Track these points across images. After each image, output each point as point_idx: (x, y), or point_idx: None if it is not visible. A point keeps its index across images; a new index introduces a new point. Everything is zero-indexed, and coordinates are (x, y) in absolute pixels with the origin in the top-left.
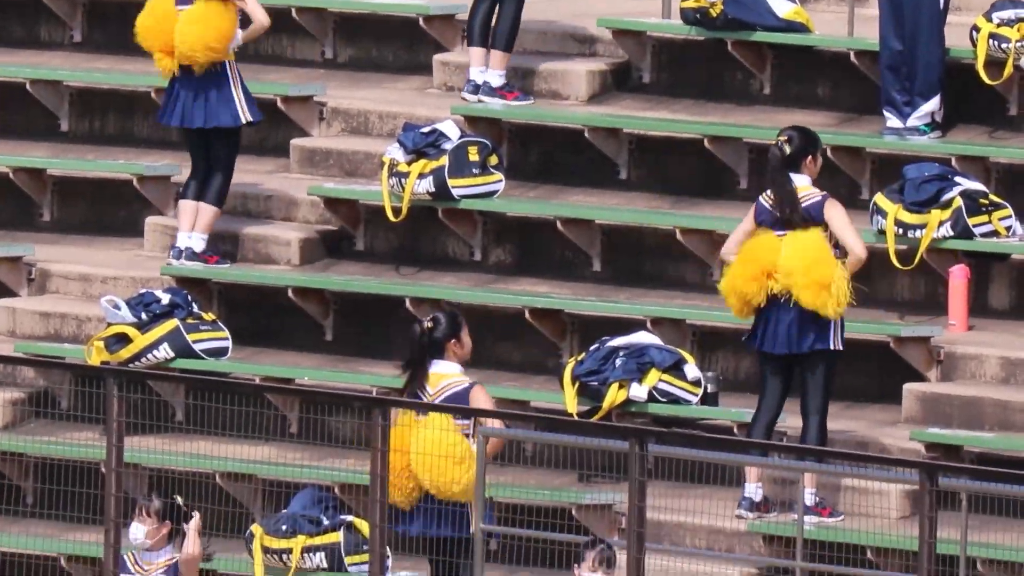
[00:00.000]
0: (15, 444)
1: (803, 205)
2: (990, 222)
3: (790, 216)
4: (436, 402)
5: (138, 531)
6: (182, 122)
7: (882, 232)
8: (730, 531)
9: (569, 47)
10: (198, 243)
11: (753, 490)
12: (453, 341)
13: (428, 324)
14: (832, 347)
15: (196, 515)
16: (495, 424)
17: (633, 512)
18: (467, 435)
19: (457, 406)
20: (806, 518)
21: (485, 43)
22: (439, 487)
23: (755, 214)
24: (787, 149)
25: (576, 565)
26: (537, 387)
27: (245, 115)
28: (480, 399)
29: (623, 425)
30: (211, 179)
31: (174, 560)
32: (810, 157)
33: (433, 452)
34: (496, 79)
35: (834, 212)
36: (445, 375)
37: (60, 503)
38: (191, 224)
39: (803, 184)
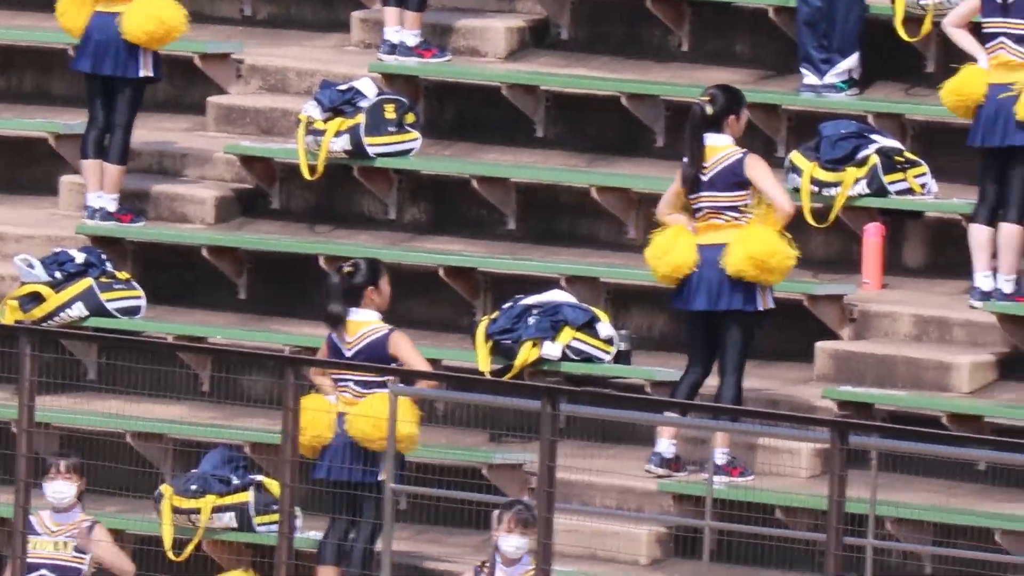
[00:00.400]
0: None
1: (724, 164)
2: (905, 180)
3: (695, 177)
4: (355, 351)
5: (63, 489)
6: (92, 69)
7: (797, 190)
8: (640, 491)
9: (487, 3)
10: (110, 203)
11: (665, 446)
12: (371, 288)
13: (348, 269)
14: (761, 308)
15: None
16: (419, 364)
17: (544, 472)
18: (384, 382)
19: (373, 364)
20: (716, 477)
21: (400, 2)
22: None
23: (681, 174)
24: (708, 109)
25: (494, 525)
26: (450, 345)
27: (148, 70)
28: (400, 344)
29: (535, 384)
30: (112, 136)
31: (86, 523)
32: (733, 116)
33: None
34: (411, 39)
35: (756, 168)
36: (363, 323)
37: None
38: (98, 183)
39: (724, 143)
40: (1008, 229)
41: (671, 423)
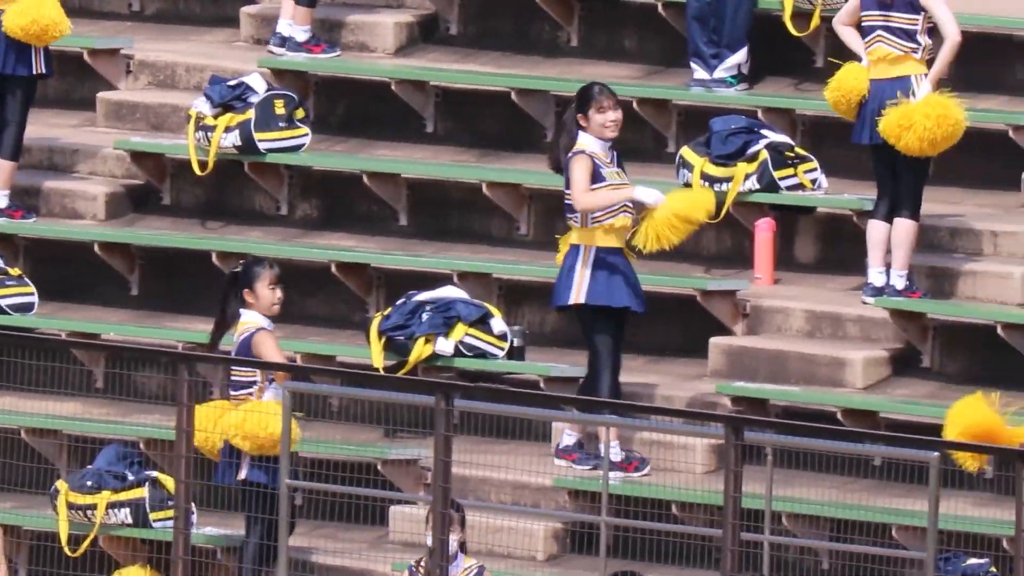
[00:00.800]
0: None
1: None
2: (796, 175)
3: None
4: (233, 352)
5: None
6: None
7: (688, 185)
8: (536, 486)
9: None
10: (1, 200)
11: (566, 437)
12: (246, 291)
13: (235, 270)
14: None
15: None
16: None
17: (439, 467)
18: (254, 382)
19: (252, 360)
20: (613, 473)
21: None
22: (260, 446)
23: None
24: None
25: (426, 525)
26: (343, 341)
27: (40, 67)
28: (260, 344)
29: (429, 380)
30: (4, 133)
31: None
32: (580, 115)
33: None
34: (301, 34)
35: (575, 166)
36: (243, 323)
37: None
38: None
39: (583, 141)
40: (902, 225)
41: (565, 419)
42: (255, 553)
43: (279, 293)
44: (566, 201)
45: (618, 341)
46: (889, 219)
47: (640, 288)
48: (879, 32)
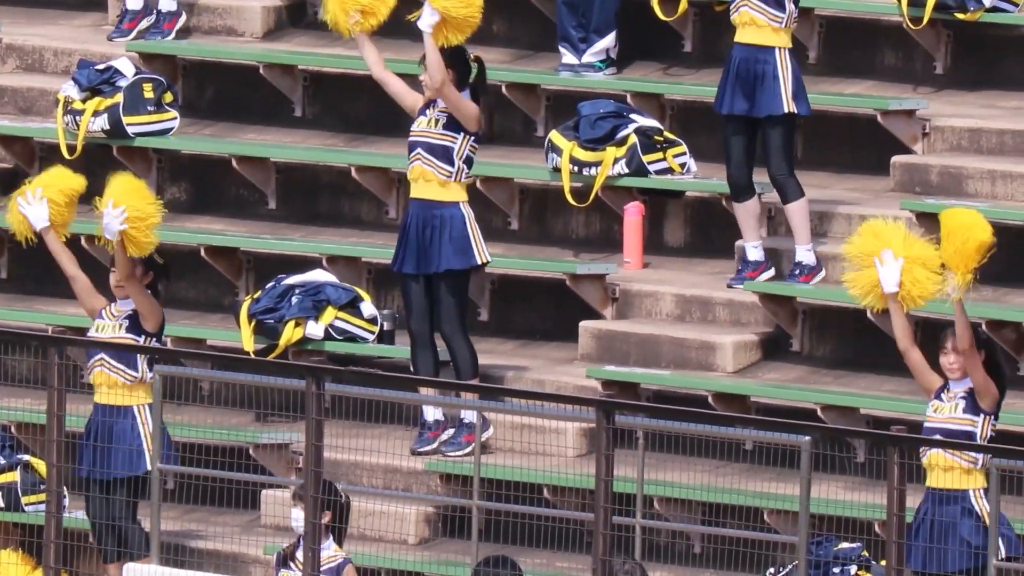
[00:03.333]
0: None
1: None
2: (665, 159)
3: None
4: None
5: None
6: None
7: (557, 170)
8: (407, 470)
9: None
10: None
11: (431, 413)
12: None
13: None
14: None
15: None
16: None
17: (310, 451)
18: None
19: (129, 344)
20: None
21: None
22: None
23: None
24: None
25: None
26: (213, 325)
27: None
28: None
29: (299, 363)
30: None
31: None
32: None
33: None
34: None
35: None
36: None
37: None
38: None
39: None
40: (793, 207)
41: (435, 402)
42: (132, 537)
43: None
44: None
45: None
46: (751, 191)
47: None
48: (756, 1)
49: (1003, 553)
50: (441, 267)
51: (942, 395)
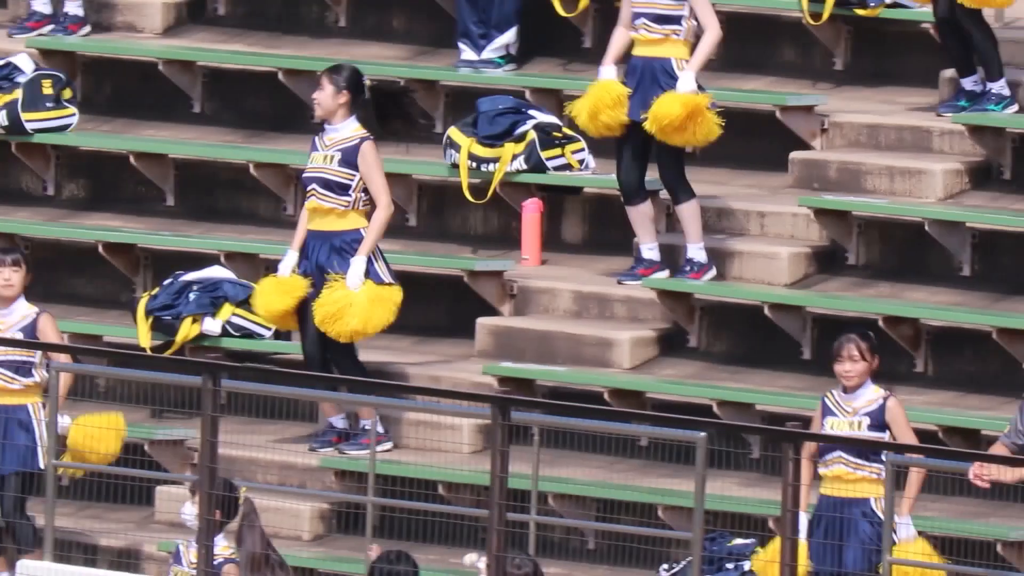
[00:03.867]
0: None
1: (345, 146)
2: (563, 155)
3: None
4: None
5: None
6: None
7: (455, 166)
8: (302, 466)
9: None
10: None
11: (337, 420)
12: None
13: None
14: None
15: None
16: (65, 359)
17: (205, 447)
18: (33, 363)
19: (27, 340)
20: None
21: None
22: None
23: None
24: None
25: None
26: (111, 321)
27: None
28: (45, 329)
29: (196, 360)
30: None
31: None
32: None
33: None
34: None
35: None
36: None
37: None
38: None
39: (353, 127)
40: (684, 208)
41: (331, 398)
42: (20, 532)
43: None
44: (341, 181)
45: None
46: (642, 194)
47: None
48: (643, 19)
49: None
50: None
51: (833, 410)
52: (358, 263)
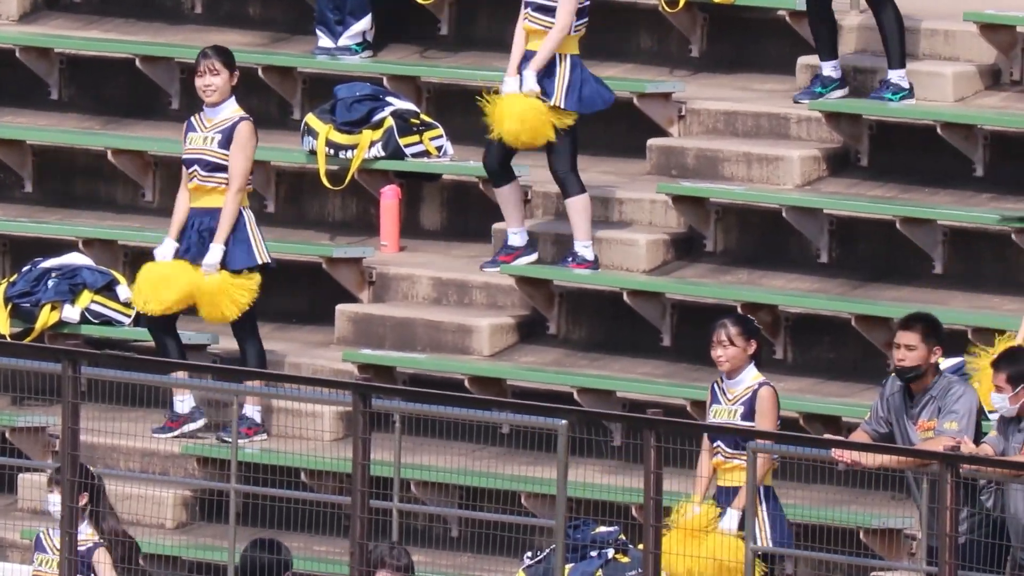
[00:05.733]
0: None
1: (225, 127)
2: (421, 142)
3: None
4: None
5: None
6: None
7: (313, 153)
8: (164, 453)
9: None
10: None
11: (179, 405)
12: None
13: None
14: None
15: None
16: None
17: (67, 434)
18: None
19: None
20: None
21: None
22: None
23: None
24: None
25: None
26: None
27: None
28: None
29: (56, 347)
30: None
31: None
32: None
33: None
34: None
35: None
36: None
37: None
38: None
39: (234, 107)
40: (573, 202)
41: (191, 385)
42: None
43: None
44: (222, 162)
45: None
46: (506, 176)
47: None
48: (528, 10)
49: (768, 534)
50: (228, 268)
51: (718, 397)
52: (215, 251)
